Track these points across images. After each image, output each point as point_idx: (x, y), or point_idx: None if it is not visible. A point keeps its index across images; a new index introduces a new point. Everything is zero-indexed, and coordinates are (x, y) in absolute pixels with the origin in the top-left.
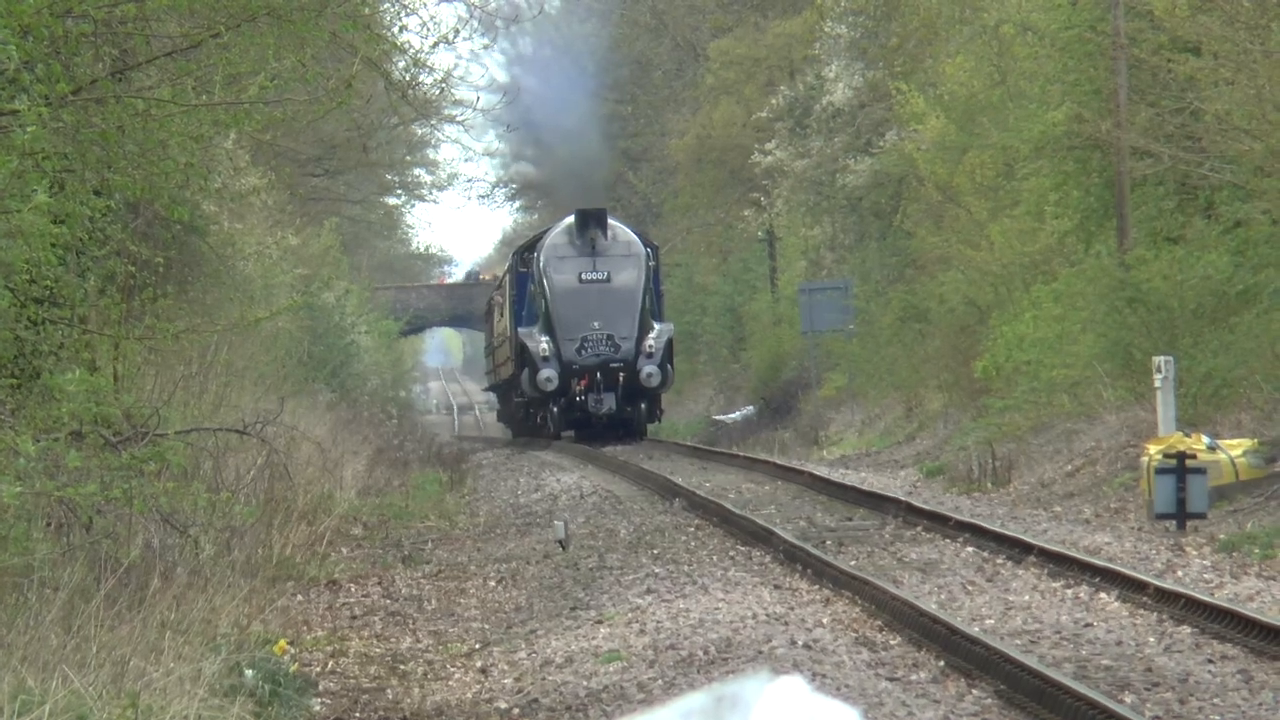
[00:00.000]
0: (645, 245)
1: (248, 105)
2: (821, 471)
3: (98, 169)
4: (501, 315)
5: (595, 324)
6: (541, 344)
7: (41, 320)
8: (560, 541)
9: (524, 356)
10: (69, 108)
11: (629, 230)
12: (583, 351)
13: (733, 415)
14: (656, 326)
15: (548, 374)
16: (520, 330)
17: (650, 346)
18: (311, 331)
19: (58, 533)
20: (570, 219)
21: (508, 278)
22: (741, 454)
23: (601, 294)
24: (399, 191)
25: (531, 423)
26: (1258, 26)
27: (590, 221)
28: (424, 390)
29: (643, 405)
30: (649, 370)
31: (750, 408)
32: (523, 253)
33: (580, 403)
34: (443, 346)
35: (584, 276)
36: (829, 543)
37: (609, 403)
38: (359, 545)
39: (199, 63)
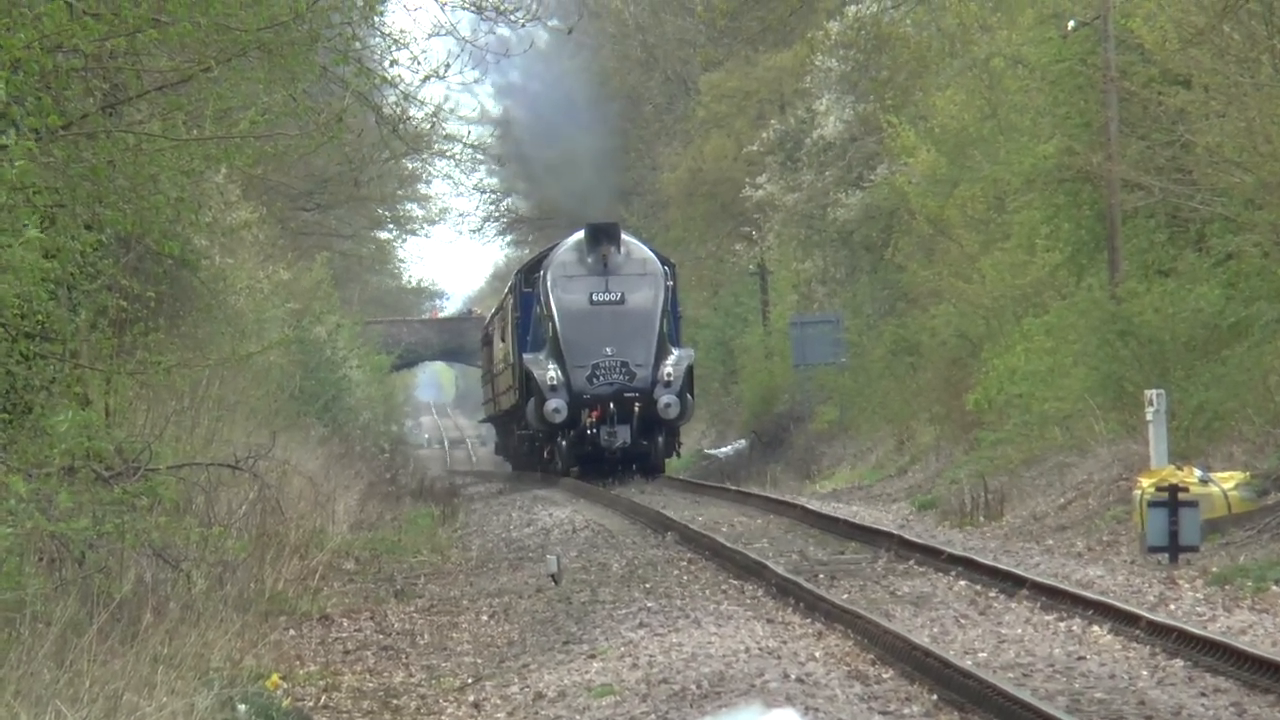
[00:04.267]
0: (662, 263)
1: (238, 140)
2: (814, 505)
3: (88, 204)
4: (503, 340)
5: (608, 349)
6: (549, 371)
7: (33, 355)
8: (553, 576)
9: (529, 385)
10: (59, 142)
11: (644, 247)
12: (594, 380)
13: (724, 449)
14: (675, 352)
15: (555, 404)
16: (525, 356)
17: (668, 374)
18: (303, 366)
19: (50, 567)
20: (580, 234)
21: (510, 299)
22: (734, 488)
23: (615, 316)
24: (390, 226)
25: (536, 457)
26: (1248, 60)
27: (602, 237)
28: (416, 425)
29: (660, 439)
30: (667, 400)
31: (742, 441)
32: (527, 271)
33: (591, 436)
34: (435, 381)
35: (595, 297)
36: (821, 576)
37: (623, 436)
38: (351, 580)
39: (190, 97)
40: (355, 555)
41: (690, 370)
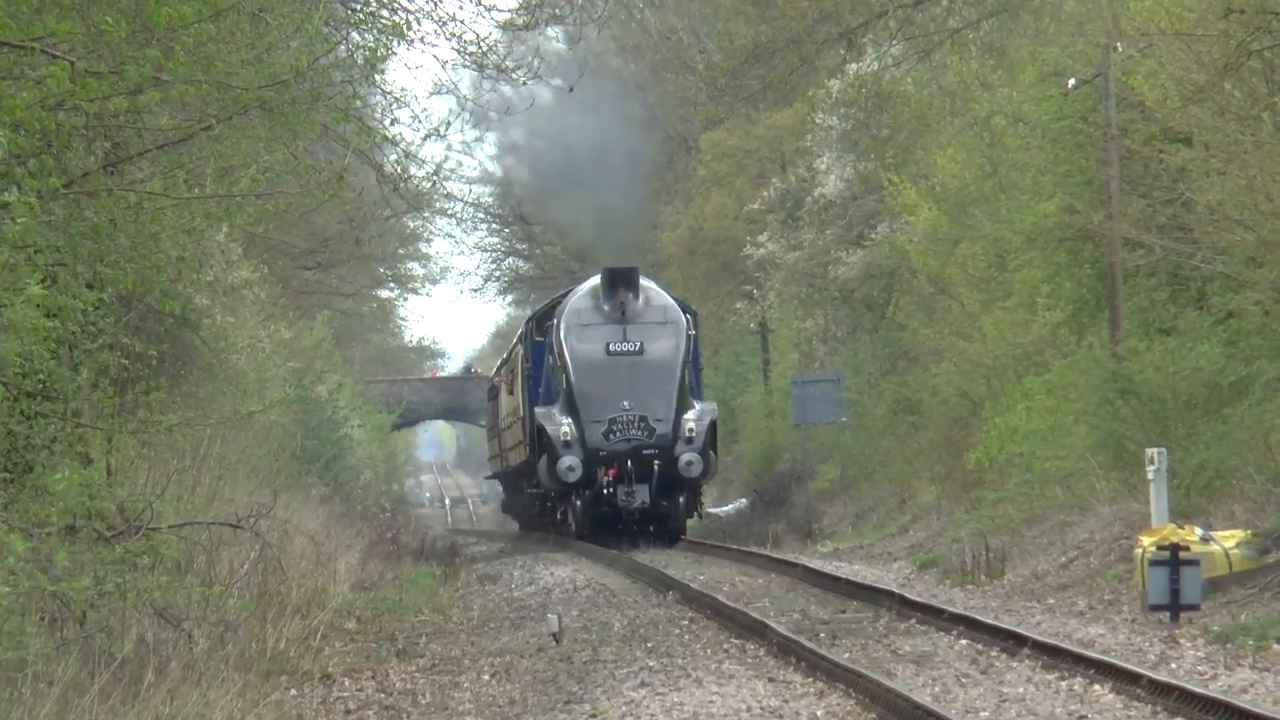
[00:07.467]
0: (684, 311)
1: (239, 198)
2: (815, 564)
3: (90, 262)
4: (511, 392)
5: (626, 403)
6: (562, 426)
7: (34, 414)
8: (554, 635)
9: (541, 441)
10: (61, 201)
11: (665, 293)
12: (611, 436)
13: (726, 508)
14: (697, 406)
15: (570, 462)
16: (537, 410)
17: (690, 430)
18: (304, 425)
19: (51, 627)
20: (595, 280)
21: (520, 348)
22: (735, 547)
23: (633, 368)
24: (391, 284)
25: (548, 517)
26: (1248, 117)
27: (619, 283)
28: (417, 484)
29: (681, 499)
30: (689, 458)
31: (743, 500)
32: (539, 319)
33: (608, 496)
34: (436, 440)
35: (612, 347)
36: (823, 635)
37: (642, 496)
38: (353, 639)
39: (191, 156)
40: (357, 614)
41: (714, 425)
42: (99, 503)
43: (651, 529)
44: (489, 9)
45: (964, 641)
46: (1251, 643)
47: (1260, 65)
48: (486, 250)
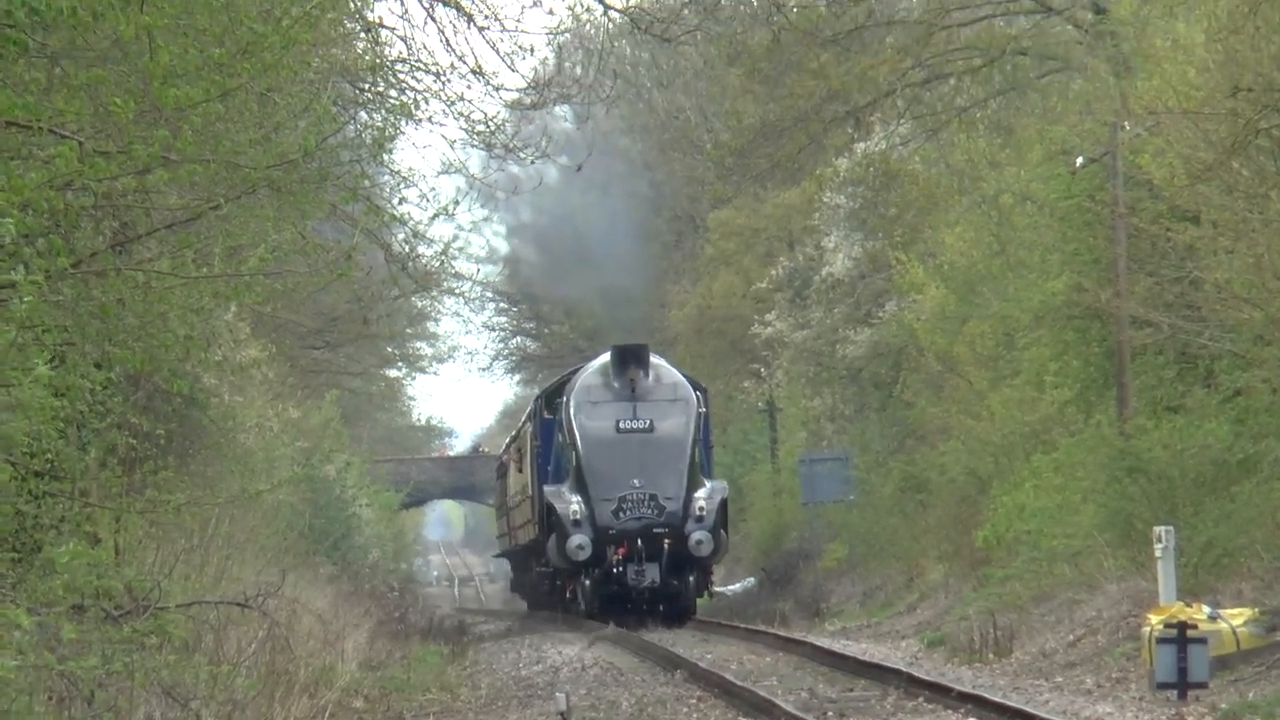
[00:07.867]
0: (694, 388)
1: (248, 277)
2: (823, 642)
3: (98, 342)
4: (520, 470)
5: (636, 481)
6: (572, 505)
7: (42, 493)
8: (562, 714)
9: (550, 519)
10: (69, 280)
11: (675, 371)
12: (621, 514)
13: (733, 587)
14: (707, 484)
15: (579, 541)
16: (546, 488)
17: (700, 508)
18: (313, 504)
19: (59, 706)
20: (605, 357)
21: (529, 426)
22: (743, 625)
23: (643, 445)
24: (399, 364)
25: (557, 596)
26: (1256, 195)
27: (630, 360)
28: (425, 563)
29: (691, 578)
30: (699, 536)
31: (751, 579)
32: (549, 396)
33: (618, 575)
34: (444, 519)
35: (622, 425)
36: (830, 714)
37: (652, 574)
38: (361, 718)
39: (199, 235)
40: (365, 693)
41: (724, 504)
42: (107, 582)
43: (661, 608)
44: (497, 89)
45: None
46: None
47: (1268, 144)
48: (494, 329)
